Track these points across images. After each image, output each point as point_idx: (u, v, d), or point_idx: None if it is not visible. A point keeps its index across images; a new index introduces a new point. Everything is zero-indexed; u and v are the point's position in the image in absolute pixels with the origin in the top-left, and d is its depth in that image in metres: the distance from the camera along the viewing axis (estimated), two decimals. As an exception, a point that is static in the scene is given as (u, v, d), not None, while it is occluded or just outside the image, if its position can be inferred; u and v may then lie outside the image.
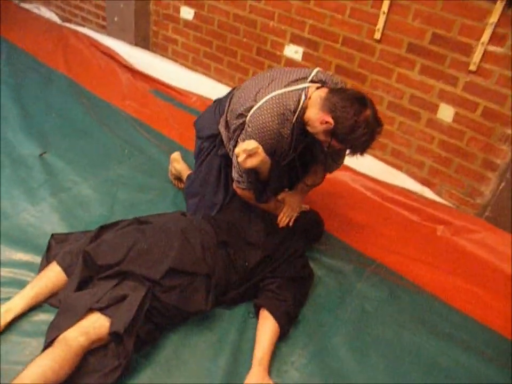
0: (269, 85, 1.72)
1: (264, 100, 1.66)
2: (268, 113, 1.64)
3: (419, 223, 2.41)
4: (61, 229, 1.99)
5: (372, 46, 2.47)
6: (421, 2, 2.22)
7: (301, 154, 1.88)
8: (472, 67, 2.18)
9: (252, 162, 1.61)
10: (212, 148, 1.97)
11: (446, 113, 2.36)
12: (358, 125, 1.58)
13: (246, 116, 1.69)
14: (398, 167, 2.65)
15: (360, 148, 1.67)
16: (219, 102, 2.00)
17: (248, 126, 1.68)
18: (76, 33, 3.72)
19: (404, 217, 2.43)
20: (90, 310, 1.44)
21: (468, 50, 2.19)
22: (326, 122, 1.62)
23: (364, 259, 2.14)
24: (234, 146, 1.76)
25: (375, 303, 1.91)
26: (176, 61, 3.41)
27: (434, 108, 2.39)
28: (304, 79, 1.74)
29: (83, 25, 3.88)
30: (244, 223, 1.86)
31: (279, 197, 1.98)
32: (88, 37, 3.66)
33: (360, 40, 2.49)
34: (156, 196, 2.28)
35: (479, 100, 2.23)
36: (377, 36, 2.41)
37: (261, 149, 1.61)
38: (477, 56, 2.16)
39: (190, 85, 3.18)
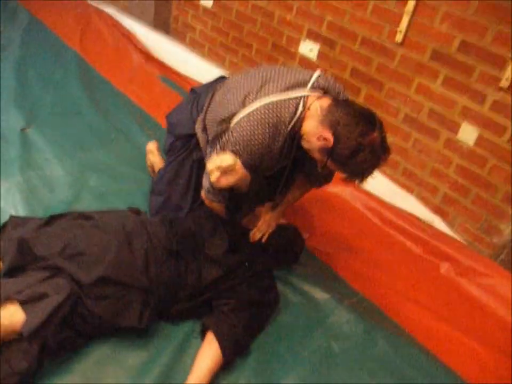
0: (261, 87, 1.47)
1: (254, 107, 1.42)
2: (258, 124, 1.40)
3: (421, 255, 2.09)
4: (21, 208, 1.85)
5: (392, 50, 2.18)
6: (451, 2, 1.92)
7: (287, 167, 1.64)
8: (504, 83, 1.86)
9: (227, 181, 1.37)
10: (186, 149, 1.75)
11: (468, 134, 2.04)
12: (362, 148, 1.34)
13: (230, 123, 1.45)
14: (409, 190, 2.34)
15: (359, 175, 1.43)
16: (197, 97, 1.75)
17: (232, 136, 1.44)
18: (100, 12, 3.61)
19: (404, 247, 2.12)
20: (10, 300, 1.27)
21: (500, 63, 1.87)
22: (324, 139, 1.38)
23: (346, 289, 1.87)
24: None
25: (345, 343, 1.64)
26: (193, 49, 3.23)
27: (455, 127, 2.08)
28: (303, 84, 1.48)
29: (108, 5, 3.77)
30: (206, 233, 1.63)
31: (257, 210, 1.75)
32: (111, 17, 3.54)
33: (380, 42, 2.21)
34: (129, 187, 2.08)
35: (508, 122, 1.91)
36: (399, 38, 2.12)
37: (239, 165, 1.38)
38: (510, 71, 1.83)
39: (202, 75, 2.98)
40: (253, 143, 1.40)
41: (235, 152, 1.42)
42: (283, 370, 1.51)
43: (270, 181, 1.64)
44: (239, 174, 1.37)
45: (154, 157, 2.04)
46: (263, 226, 1.72)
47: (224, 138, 1.45)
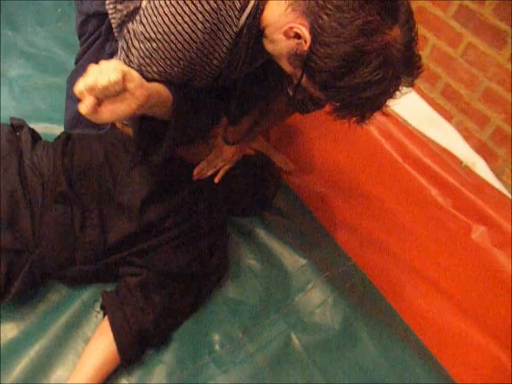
0: None
1: None
2: (187, 7, 0.78)
3: (449, 211, 1.51)
4: None
5: None
6: None
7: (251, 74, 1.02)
8: None
9: (114, 113, 0.72)
10: (98, 35, 1.14)
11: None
12: (365, 57, 0.71)
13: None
14: (447, 116, 1.69)
15: (360, 108, 0.79)
16: None
17: (142, 25, 0.83)
18: None
19: (426, 197, 1.54)
20: None
21: None
22: (296, 35, 0.76)
23: (333, 253, 1.35)
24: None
25: (311, 337, 1.17)
26: None
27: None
28: None
29: None
30: (120, 169, 1.10)
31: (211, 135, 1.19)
32: None
33: None
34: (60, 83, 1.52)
35: None
36: None
37: (138, 83, 0.72)
38: None
39: None
40: (176, 39, 0.80)
41: (140, 54, 0.83)
42: (215, 368, 1.07)
43: (223, 92, 1.05)
44: (140, 99, 0.73)
45: None
46: (215, 159, 1.17)
47: (127, 31, 0.85)
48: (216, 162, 1.17)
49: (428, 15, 1.59)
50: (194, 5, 0.77)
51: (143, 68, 0.84)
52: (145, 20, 0.82)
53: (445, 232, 1.48)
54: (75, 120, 1.27)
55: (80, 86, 0.68)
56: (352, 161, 1.52)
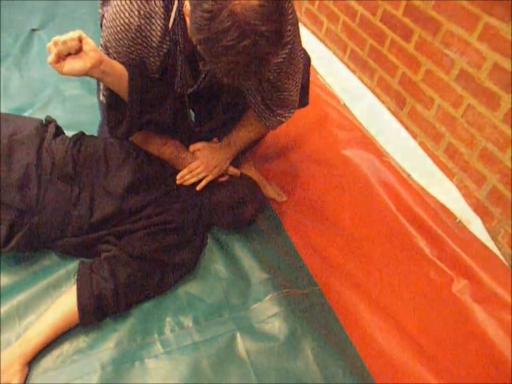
0: None
1: None
2: (128, 2, 1.05)
3: (433, 261, 1.53)
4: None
5: (459, -25, 1.56)
6: None
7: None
8: None
9: (72, 67, 1.01)
10: None
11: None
12: (216, 19, 0.82)
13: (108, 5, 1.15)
14: (449, 174, 1.74)
15: (214, 59, 0.88)
16: None
17: (104, 19, 1.14)
18: None
19: (412, 244, 1.57)
20: None
21: None
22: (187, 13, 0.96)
23: (300, 275, 1.44)
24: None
25: (256, 342, 1.25)
26: None
27: (523, 93, 1.43)
28: None
29: None
30: (114, 162, 1.33)
31: (192, 147, 1.39)
32: None
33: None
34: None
35: None
36: (468, -43, 1.49)
37: (91, 46, 1.00)
38: None
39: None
40: (117, 22, 1.07)
41: (104, 39, 1.12)
42: (160, 347, 1.19)
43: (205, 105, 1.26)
44: (93, 58, 0.99)
45: None
46: (197, 168, 1.36)
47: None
48: (197, 172, 1.36)
49: (434, 77, 1.71)
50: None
51: (108, 50, 1.11)
52: (106, 14, 1.10)
53: (424, 280, 1.49)
54: (101, 124, 1.56)
55: (49, 42, 0.95)
56: (340, 198, 1.62)
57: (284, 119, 1.31)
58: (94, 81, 2.01)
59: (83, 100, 1.91)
